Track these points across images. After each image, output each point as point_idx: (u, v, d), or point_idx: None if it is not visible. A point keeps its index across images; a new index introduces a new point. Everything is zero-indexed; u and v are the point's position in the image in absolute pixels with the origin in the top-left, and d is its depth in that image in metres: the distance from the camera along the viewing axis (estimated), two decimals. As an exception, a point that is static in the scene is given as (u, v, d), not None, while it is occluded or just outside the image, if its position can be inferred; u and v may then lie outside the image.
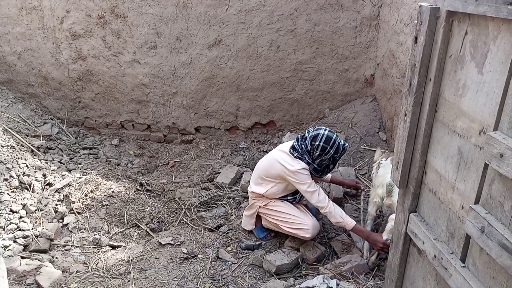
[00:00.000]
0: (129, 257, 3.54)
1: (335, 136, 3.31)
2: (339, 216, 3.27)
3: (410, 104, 1.71)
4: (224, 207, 4.32)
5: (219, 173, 4.78)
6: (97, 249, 3.63)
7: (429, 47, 1.60)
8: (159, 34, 4.92)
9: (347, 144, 3.39)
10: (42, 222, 3.77)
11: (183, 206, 4.22)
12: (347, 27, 4.82)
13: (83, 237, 3.75)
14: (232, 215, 4.20)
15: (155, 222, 4.02)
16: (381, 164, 3.46)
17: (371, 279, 3.28)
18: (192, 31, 4.84)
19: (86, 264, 3.45)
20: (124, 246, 3.68)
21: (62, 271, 3.26)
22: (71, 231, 3.80)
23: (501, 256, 1.29)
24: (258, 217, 3.76)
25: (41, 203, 3.95)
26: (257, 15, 4.75)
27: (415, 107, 1.70)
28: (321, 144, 3.27)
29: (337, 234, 3.92)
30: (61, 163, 4.66)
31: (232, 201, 4.39)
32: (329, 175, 3.82)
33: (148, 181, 4.57)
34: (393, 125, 4.57)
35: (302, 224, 3.46)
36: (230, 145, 5.45)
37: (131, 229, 3.90)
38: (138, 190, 4.40)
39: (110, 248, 3.67)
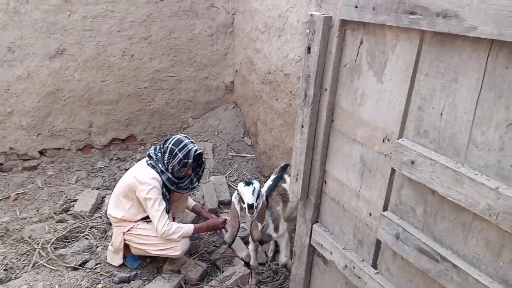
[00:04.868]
0: (-31, 324, 2.79)
1: (188, 141, 3.18)
2: (174, 233, 3.14)
3: (307, 115, 1.66)
4: (87, 239, 3.80)
5: (76, 200, 4.20)
6: None
7: (323, 57, 1.57)
8: (-17, 44, 4.06)
9: (200, 151, 3.26)
10: None
11: (35, 246, 3.56)
12: (203, 34, 4.74)
13: None
14: (98, 246, 3.71)
15: (1, 270, 3.30)
16: None
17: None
18: (28, 40, 4.12)
19: None
20: (-40, 312, 2.90)
21: None
22: None
23: (419, 260, 1.32)
24: (127, 246, 3.39)
25: None
26: (105, 21, 4.30)
27: (312, 118, 1.66)
28: (170, 146, 3.13)
29: (216, 247, 3.80)
30: None
31: (96, 230, 3.89)
32: (191, 202, 3.69)
33: (-17, 222, 3.72)
34: (256, 129, 4.65)
35: (168, 242, 3.23)
36: (85, 166, 4.84)
37: (-32, 287, 3.10)
38: (-28, 236, 3.54)
39: None
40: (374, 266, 1.57)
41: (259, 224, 2.63)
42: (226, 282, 3.24)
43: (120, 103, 4.73)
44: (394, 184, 1.42)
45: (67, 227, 3.83)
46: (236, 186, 2.78)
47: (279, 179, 3.21)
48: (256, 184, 2.56)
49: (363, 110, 1.50)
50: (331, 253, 1.72)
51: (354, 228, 1.64)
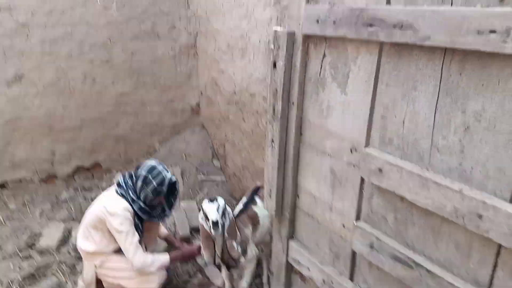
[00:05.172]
0: None
1: (161, 167, 3.08)
2: (151, 265, 3.02)
3: (277, 130, 1.67)
4: (56, 275, 3.62)
5: (41, 235, 4.00)
6: None
7: (289, 72, 1.60)
8: None
9: (175, 180, 3.18)
10: None
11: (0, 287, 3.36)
12: (166, 56, 4.73)
13: None
14: (67, 282, 3.54)
15: (-40, 316, 3.07)
16: None
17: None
18: (-18, 65, 3.98)
19: None
20: None
21: None
22: None
23: (395, 268, 1.32)
24: (99, 280, 3.24)
25: None
26: (64, 45, 4.23)
27: (282, 132, 1.67)
28: (143, 173, 3.01)
29: (190, 276, 3.70)
30: None
31: (65, 266, 3.71)
32: (164, 230, 3.58)
33: None
34: (225, 151, 4.63)
35: (145, 274, 3.10)
36: (49, 198, 4.65)
37: None
38: None
39: None
40: (351, 278, 1.57)
41: (234, 242, 2.56)
42: (202, 309, 3.16)
43: (83, 130, 4.61)
44: (365, 193, 1.44)
45: (33, 264, 3.64)
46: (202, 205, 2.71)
47: (249, 202, 3.13)
48: (220, 201, 2.50)
49: (330, 122, 1.53)
50: (308, 269, 1.71)
51: (329, 241, 1.64)
